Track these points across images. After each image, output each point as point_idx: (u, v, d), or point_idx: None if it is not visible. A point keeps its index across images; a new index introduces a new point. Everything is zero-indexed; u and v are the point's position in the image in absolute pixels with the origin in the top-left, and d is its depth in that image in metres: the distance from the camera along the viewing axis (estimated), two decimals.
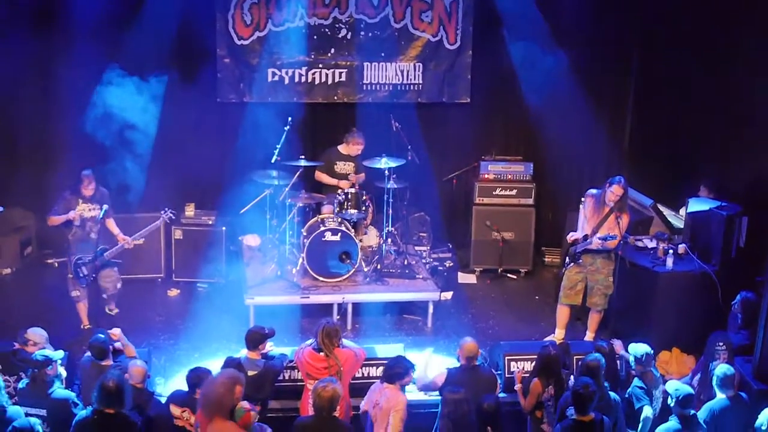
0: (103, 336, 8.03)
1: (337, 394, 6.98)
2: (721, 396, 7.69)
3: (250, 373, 7.78)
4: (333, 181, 11.51)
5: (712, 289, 9.70)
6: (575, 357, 8.87)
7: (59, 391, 7.45)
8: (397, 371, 7.67)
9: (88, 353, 8.00)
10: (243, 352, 7.97)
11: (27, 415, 7.25)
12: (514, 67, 12.18)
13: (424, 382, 8.26)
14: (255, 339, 7.95)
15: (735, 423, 7.55)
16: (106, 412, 6.80)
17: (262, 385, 7.83)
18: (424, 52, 12.49)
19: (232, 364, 7.80)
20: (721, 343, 8.33)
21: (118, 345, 8.26)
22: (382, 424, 7.53)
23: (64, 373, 7.88)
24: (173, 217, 10.37)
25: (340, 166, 11.61)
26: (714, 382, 7.76)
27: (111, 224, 10.02)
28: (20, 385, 7.58)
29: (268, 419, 7.82)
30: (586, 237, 9.66)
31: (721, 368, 7.74)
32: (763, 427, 7.13)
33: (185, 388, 7.63)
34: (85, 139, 10.56)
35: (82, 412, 7.04)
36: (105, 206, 9.66)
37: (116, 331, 8.33)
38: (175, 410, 7.46)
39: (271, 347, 8.17)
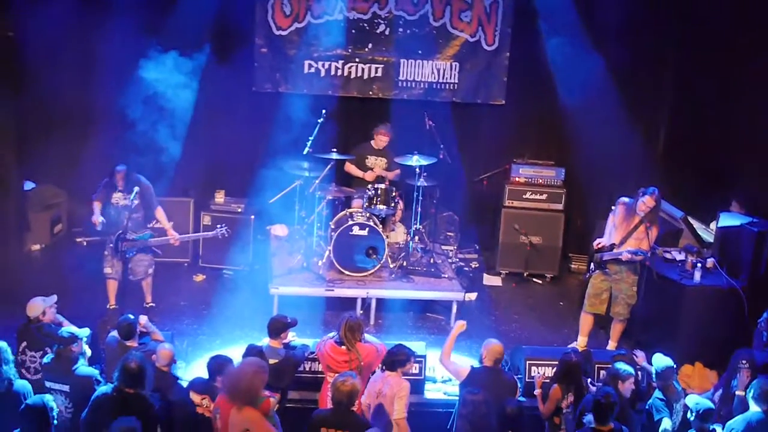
0: (132, 317, 8.08)
1: (356, 388, 6.99)
2: (756, 409, 7.62)
3: (271, 361, 7.80)
4: (359, 173, 11.55)
5: (739, 305, 9.62)
6: (596, 365, 8.84)
7: (83, 368, 7.51)
8: (399, 358, 7.68)
9: (114, 332, 8.07)
10: (265, 341, 7.99)
11: (50, 390, 7.34)
12: (551, 71, 12.13)
13: (449, 362, 8.21)
14: (277, 327, 7.97)
15: None
16: (126, 392, 6.86)
17: (283, 374, 7.85)
18: (461, 51, 12.49)
19: (254, 352, 7.82)
20: (744, 361, 8.27)
21: (145, 327, 8.33)
22: (388, 410, 7.54)
23: (88, 351, 7.94)
24: (226, 235, 10.35)
25: (372, 161, 11.65)
26: (750, 396, 7.66)
27: (161, 215, 10.14)
28: (45, 360, 7.64)
29: (286, 409, 7.85)
30: (613, 246, 9.60)
31: (759, 382, 7.65)
32: None
33: (206, 375, 7.66)
34: (119, 120, 10.63)
35: (102, 388, 7.11)
36: (136, 189, 9.69)
37: (142, 320, 8.38)
38: (195, 397, 7.49)
39: (293, 337, 8.19)
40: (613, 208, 9.82)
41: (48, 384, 7.43)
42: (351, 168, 11.67)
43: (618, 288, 9.71)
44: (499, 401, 7.33)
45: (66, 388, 7.39)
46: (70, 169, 11.58)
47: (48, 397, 6.76)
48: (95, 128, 11.42)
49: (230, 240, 11.34)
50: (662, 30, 12.26)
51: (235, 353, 8.45)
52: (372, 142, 11.65)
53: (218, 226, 10.38)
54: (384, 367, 7.74)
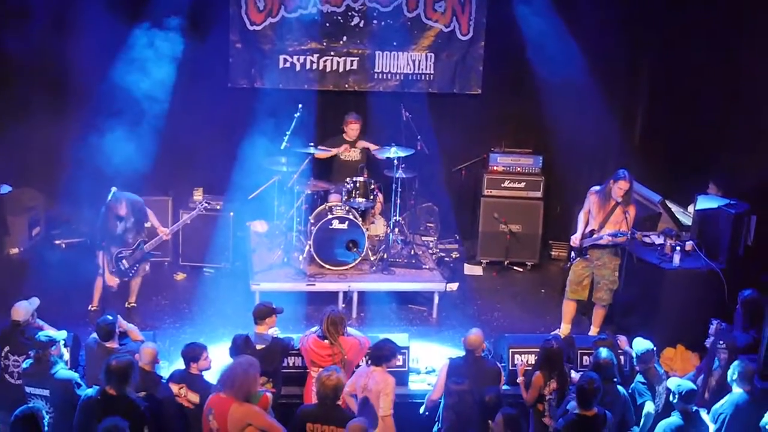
0: (111, 318, 8.05)
1: (341, 382, 7.01)
2: (738, 390, 7.68)
3: (259, 347, 7.85)
4: (331, 152, 11.59)
5: (719, 287, 9.69)
6: (579, 351, 8.89)
7: (62, 371, 7.48)
8: (384, 353, 7.72)
9: (94, 334, 8.04)
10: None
11: (31, 395, 7.31)
12: (526, 59, 12.10)
13: (434, 391, 8.25)
14: (262, 313, 8.02)
15: (752, 417, 7.52)
16: (111, 394, 6.84)
17: (272, 358, 7.90)
18: (436, 42, 12.47)
19: (240, 339, 7.86)
20: (722, 342, 8.34)
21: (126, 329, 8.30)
22: (374, 406, 7.56)
23: (66, 355, 7.91)
24: (208, 206, 10.40)
25: (346, 153, 11.70)
26: (732, 378, 7.75)
27: (151, 216, 10.21)
28: (23, 365, 7.60)
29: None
30: (592, 232, 9.66)
31: (740, 364, 7.74)
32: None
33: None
34: (95, 121, 10.57)
35: (88, 391, 7.10)
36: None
37: (120, 322, 8.36)
38: (173, 387, 7.51)
39: (276, 332, 8.19)
40: (587, 198, 9.87)
41: (28, 389, 7.40)
42: (322, 152, 11.59)
43: (600, 274, 9.76)
44: (481, 390, 7.35)
45: (46, 392, 7.36)
46: (47, 171, 11.50)
47: (37, 406, 6.73)
48: (71, 130, 11.34)
49: (210, 237, 11.37)
50: (638, 17, 12.28)
51: (219, 351, 8.46)
52: (344, 134, 11.66)
53: (199, 202, 10.47)
54: (369, 362, 7.74)
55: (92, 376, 7.74)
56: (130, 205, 9.96)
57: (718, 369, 8.28)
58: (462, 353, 8.17)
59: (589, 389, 7.01)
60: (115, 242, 9.90)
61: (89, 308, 9.97)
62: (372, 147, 11.61)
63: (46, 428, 6.61)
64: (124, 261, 9.92)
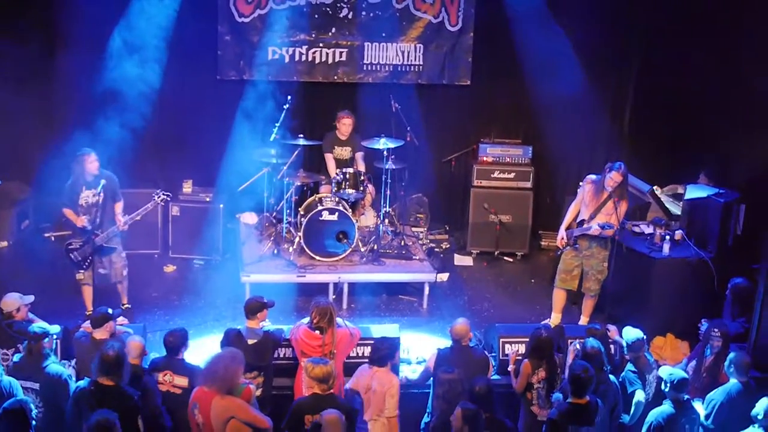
0: (111, 310, 7.98)
1: (330, 370, 6.99)
2: (734, 380, 7.73)
3: (251, 341, 7.85)
4: (331, 169, 11.54)
5: (708, 276, 9.73)
6: (569, 340, 8.89)
7: (53, 365, 7.43)
8: (385, 353, 7.73)
9: (84, 327, 8.02)
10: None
11: (22, 388, 7.27)
12: (515, 50, 12.10)
13: (417, 377, 8.31)
14: (254, 308, 8.00)
15: (745, 408, 7.54)
16: (104, 384, 6.81)
17: (263, 353, 7.89)
18: (425, 33, 12.45)
19: (232, 334, 7.88)
20: (716, 330, 8.37)
21: (119, 329, 8.22)
22: (378, 407, 7.59)
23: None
24: (168, 200, 10.21)
25: (338, 152, 11.66)
26: (728, 369, 7.80)
27: (118, 206, 9.85)
28: (15, 358, 7.57)
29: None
30: (582, 222, 9.67)
31: (737, 355, 7.80)
32: (759, 416, 7.14)
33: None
34: (83, 114, 10.55)
35: (80, 383, 7.09)
36: (102, 181, 9.57)
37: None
38: (158, 376, 7.50)
39: (267, 324, 8.19)
40: (580, 184, 9.89)
41: (19, 383, 7.35)
42: (329, 163, 11.64)
43: (589, 264, 9.77)
44: (470, 379, 7.35)
45: (36, 386, 7.32)
46: (34, 164, 11.45)
47: (26, 399, 6.71)
48: (58, 122, 11.31)
49: (200, 229, 11.34)
50: (627, 7, 12.30)
51: (209, 343, 8.46)
52: (336, 131, 11.64)
53: (155, 193, 10.01)
54: (372, 365, 7.73)
55: (82, 369, 7.72)
56: (105, 174, 9.62)
57: (710, 356, 8.31)
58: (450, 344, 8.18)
59: (584, 377, 7.04)
60: (76, 209, 9.56)
61: (86, 314, 9.77)
62: (361, 166, 11.59)
63: (34, 422, 6.58)
64: (74, 253, 9.56)
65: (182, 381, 7.49)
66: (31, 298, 8.24)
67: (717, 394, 7.74)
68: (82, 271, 9.64)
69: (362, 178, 11.07)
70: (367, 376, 7.68)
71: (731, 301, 9.35)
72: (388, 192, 11.29)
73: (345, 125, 11.57)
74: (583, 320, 9.98)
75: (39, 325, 7.62)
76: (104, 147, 10.00)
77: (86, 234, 9.55)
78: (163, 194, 10.01)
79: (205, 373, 6.92)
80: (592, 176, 9.77)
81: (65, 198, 9.63)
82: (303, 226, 10.71)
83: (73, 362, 7.93)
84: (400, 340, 8.98)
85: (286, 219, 11.20)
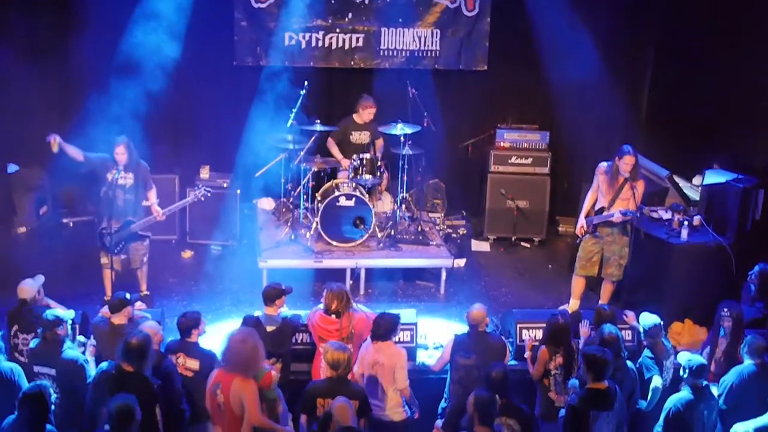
0: (129, 295, 8.02)
1: (348, 356, 7.02)
2: (749, 362, 7.71)
3: (269, 328, 7.87)
4: (337, 156, 11.53)
5: (726, 262, 9.69)
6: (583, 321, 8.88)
7: (69, 351, 7.46)
8: (388, 328, 7.71)
9: (102, 312, 8.05)
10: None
11: (38, 374, 7.31)
12: (533, 35, 12.06)
13: (434, 362, 8.35)
14: (272, 295, 8.02)
15: (759, 390, 7.54)
16: (126, 370, 6.84)
17: (282, 340, 7.93)
18: (442, 18, 12.41)
19: (251, 321, 7.91)
20: (726, 309, 8.33)
21: (137, 314, 8.25)
22: (388, 380, 7.59)
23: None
24: (209, 195, 10.19)
25: (356, 136, 11.61)
26: (744, 351, 7.79)
27: (152, 195, 9.92)
28: (31, 344, 7.61)
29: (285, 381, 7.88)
30: (602, 209, 9.63)
31: (752, 338, 7.79)
32: None
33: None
34: (100, 99, 10.53)
35: (102, 365, 7.12)
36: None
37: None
38: (172, 358, 7.53)
39: (284, 310, 8.21)
40: (597, 175, 9.83)
41: (36, 368, 7.38)
42: (333, 147, 11.62)
43: (610, 250, 9.74)
44: (487, 365, 7.34)
45: (53, 372, 7.35)
46: (52, 149, 11.47)
47: (45, 383, 6.74)
48: (75, 108, 11.31)
49: (217, 215, 11.36)
50: None
51: (227, 328, 8.46)
52: (355, 115, 11.61)
53: (195, 187, 10.23)
54: (375, 339, 7.73)
55: (101, 353, 7.75)
56: (135, 161, 9.72)
57: (724, 337, 8.29)
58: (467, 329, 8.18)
59: (601, 359, 7.00)
60: (114, 215, 9.61)
61: (105, 299, 9.83)
62: (379, 147, 11.62)
63: (53, 407, 6.62)
64: (107, 237, 9.58)
65: (194, 364, 7.51)
66: (41, 279, 8.27)
67: (730, 375, 7.74)
68: (109, 254, 9.64)
69: (379, 163, 11.06)
70: (372, 352, 7.67)
71: (757, 286, 9.29)
72: (405, 177, 11.27)
73: (369, 113, 11.54)
74: None
75: (53, 311, 7.62)
76: (121, 133, 10.02)
77: (123, 219, 9.61)
78: (204, 189, 10.06)
79: (228, 357, 6.93)
80: (603, 165, 9.72)
81: (96, 158, 9.70)
82: (320, 212, 10.71)
83: (92, 339, 7.94)
84: (417, 325, 8.99)
85: (303, 204, 11.21)
